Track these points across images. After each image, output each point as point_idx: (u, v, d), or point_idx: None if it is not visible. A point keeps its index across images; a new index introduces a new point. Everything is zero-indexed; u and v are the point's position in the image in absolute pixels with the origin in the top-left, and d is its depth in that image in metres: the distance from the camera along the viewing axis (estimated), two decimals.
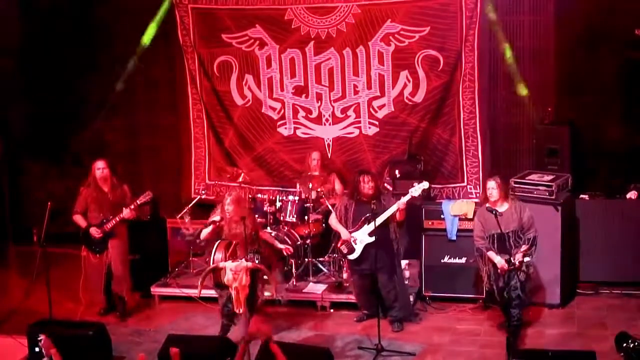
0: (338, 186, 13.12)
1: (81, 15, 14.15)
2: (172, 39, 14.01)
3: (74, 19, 14.07)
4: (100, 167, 11.82)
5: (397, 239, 11.18)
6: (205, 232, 10.88)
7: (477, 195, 12.71)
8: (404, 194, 11.09)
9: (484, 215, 10.47)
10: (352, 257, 11.22)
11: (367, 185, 11.06)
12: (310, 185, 12.58)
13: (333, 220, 11.45)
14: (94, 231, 11.73)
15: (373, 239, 11.01)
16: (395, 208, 10.98)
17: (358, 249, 11.14)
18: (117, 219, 11.66)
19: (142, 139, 14.74)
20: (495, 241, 10.39)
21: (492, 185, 10.46)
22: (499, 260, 10.29)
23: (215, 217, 10.83)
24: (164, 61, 14.28)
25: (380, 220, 10.95)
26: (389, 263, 11.16)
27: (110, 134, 14.73)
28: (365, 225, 11.05)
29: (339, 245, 11.33)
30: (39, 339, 9.20)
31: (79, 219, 11.85)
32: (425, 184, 11.18)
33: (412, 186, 11.14)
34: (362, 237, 11.09)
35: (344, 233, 11.22)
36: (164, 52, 14.22)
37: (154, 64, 14.28)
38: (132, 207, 11.68)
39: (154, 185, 14.18)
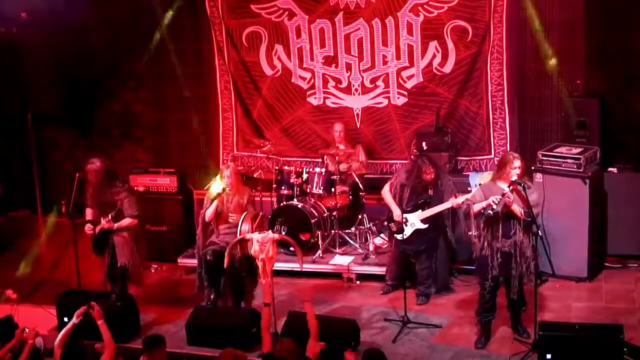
0: (362, 157, 13.08)
1: None
2: (199, 10, 13.97)
3: None
4: (89, 171, 10.89)
5: (450, 228, 11.30)
6: (209, 212, 10.94)
7: None
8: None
9: (491, 188, 9.94)
10: (398, 236, 11.22)
11: (429, 176, 11.05)
12: (337, 158, 12.57)
13: (387, 194, 11.38)
14: (87, 227, 10.96)
15: (425, 226, 11.06)
16: (450, 204, 10.95)
17: (407, 232, 11.13)
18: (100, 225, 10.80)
19: (169, 111, 14.74)
20: (501, 220, 9.83)
21: (518, 164, 9.79)
22: (491, 199, 9.71)
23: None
24: (191, 33, 14.25)
25: (434, 211, 10.98)
26: (432, 246, 11.23)
27: (138, 105, 14.77)
28: (420, 210, 11.05)
29: (387, 221, 11.33)
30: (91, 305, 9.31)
31: (87, 212, 11.14)
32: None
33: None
34: (414, 221, 11.07)
35: (396, 213, 11.17)
36: (191, 24, 14.20)
37: (180, 35, 14.28)
38: (107, 220, 10.69)
39: (180, 157, 14.38)
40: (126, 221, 10.89)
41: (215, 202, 10.86)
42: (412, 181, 11.16)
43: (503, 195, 9.65)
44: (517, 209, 9.72)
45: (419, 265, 11.30)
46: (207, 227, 11.06)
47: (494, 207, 9.67)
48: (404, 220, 11.09)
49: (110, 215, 10.74)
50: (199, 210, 11.93)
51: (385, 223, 11.43)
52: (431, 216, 11.04)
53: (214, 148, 14.48)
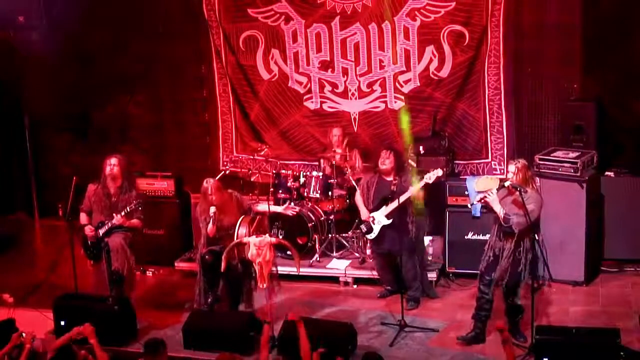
0: (359, 162, 13.09)
1: None
2: (197, 14, 13.96)
3: None
4: (111, 164, 11.01)
5: (413, 222, 11.13)
6: (210, 229, 10.91)
7: (502, 171, 12.65)
8: (427, 171, 11.10)
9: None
10: (370, 236, 11.31)
11: (384, 161, 11.13)
12: (334, 162, 12.58)
13: (357, 199, 11.51)
14: (87, 229, 11.02)
15: (389, 221, 11.07)
16: (408, 194, 10.98)
17: (376, 229, 11.18)
18: (109, 225, 10.86)
19: (167, 114, 14.74)
20: (497, 226, 10.01)
21: (511, 169, 9.94)
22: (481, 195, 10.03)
23: (211, 210, 10.88)
24: (189, 36, 14.24)
25: (395, 204, 10.97)
26: (408, 244, 11.16)
27: (135, 108, 14.75)
28: (384, 207, 11.08)
29: (358, 224, 11.40)
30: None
31: (82, 217, 11.19)
32: (438, 172, 11.07)
33: (428, 172, 11.13)
34: (379, 218, 11.12)
35: (363, 213, 11.30)
36: (189, 27, 14.19)
37: (179, 38, 14.26)
38: (122, 214, 10.78)
39: (178, 160, 14.37)
40: (135, 221, 10.99)
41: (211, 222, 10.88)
42: (373, 174, 11.31)
43: (483, 197, 9.89)
44: (498, 210, 9.81)
45: (403, 269, 11.25)
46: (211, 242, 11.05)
47: (474, 202, 10.03)
48: (371, 219, 11.14)
49: (125, 211, 10.78)
50: (196, 213, 11.94)
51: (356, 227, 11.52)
52: (395, 211, 10.99)
53: (213, 151, 14.51)
